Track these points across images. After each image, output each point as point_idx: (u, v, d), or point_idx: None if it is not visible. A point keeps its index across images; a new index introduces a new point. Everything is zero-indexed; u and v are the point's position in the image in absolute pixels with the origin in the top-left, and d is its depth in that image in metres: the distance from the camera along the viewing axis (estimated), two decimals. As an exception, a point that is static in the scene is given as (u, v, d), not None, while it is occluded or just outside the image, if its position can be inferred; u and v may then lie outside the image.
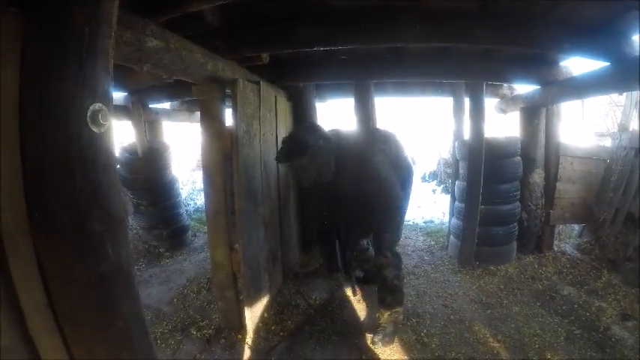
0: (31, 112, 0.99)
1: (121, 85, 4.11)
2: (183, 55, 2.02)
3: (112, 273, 1.11)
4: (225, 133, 2.90)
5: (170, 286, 4.12)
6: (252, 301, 3.00)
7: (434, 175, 10.67)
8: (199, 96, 2.83)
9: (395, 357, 2.81)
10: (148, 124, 5.01)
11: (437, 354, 2.84)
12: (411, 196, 3.28)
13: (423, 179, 10.73)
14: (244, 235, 2.88)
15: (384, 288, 2.95)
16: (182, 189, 6.44)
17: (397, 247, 3.15)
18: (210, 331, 3.11)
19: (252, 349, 2.88)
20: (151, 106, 4.88)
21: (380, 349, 2.87)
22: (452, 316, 3.35)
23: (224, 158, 2.95)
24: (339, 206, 3.09)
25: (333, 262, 3.63)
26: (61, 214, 1.01)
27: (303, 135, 2.73)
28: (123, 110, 4.53)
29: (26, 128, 0.99)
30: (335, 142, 2.82)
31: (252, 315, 3.00)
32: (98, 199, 1.07)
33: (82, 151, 1.03)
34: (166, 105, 5.53)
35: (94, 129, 1.04)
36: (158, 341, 3.03)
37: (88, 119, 1.02)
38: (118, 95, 4.59)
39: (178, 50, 1.94)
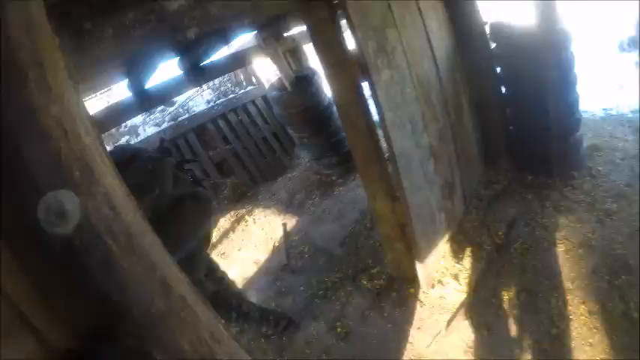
0: None
1: (244, 26, 3.79)
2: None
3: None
4: (350, 58, 2.29)
5: (343, 222, 4.04)
6: (423, 252, 2.58)
7: (634, 42, 7.41)
8: (301, 21, 2.26)
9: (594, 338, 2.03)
10: (289, 54, 4.68)
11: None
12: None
13: (621, 48, 7.64)
14: (405, 182, 2.38)
15: None
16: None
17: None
18: (381, 282, 2.90)
19: (426, 307, 2.54)
20: (286, 34, 4.48)
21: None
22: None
23: (358, 90, 2.39)
24: None
25: None
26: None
27: None
28: (256, 50, 4.28)
29: None
30: None
31: (425, 268, 2.61)
32: (117, 310, 0.76)
33: (65, 266, 0.70)
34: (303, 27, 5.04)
35: (61, 230, 0.68)
36: (328, 292, 3.00)
37: (44, 225, 0.66)
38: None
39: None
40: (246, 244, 4.61)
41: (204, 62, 4.18)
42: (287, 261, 3.92)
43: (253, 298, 3.68)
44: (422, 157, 2.57)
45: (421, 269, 2.59)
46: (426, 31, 2.77)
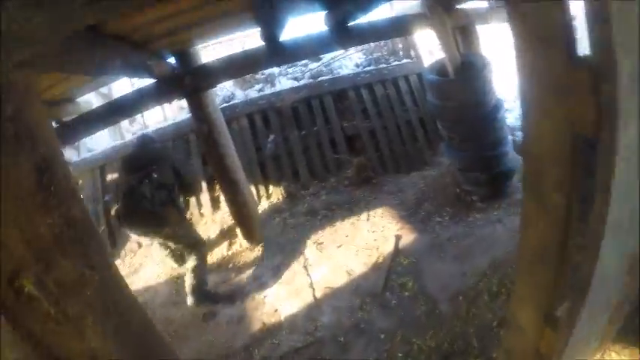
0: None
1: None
2: None
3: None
4: (580, 82, 1.10)
5: (465, 267, 3.04)
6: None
7: None
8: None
9: None
10: (459, 32, 3.57)
11: None
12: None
13: None
14: (584, 309, 1.33)
15: None
16: (507, 117, 4.73)
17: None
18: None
19: None
20: (459, 7, 3.38)
21: None
22: None
23: (575, 141, 1.21)
24: None
25: None
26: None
27: None
28: (420, 19, 3.30)
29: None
30: None
31: None
32: None
33: None
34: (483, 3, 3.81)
35: None
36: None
37: None
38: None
39: None
40: (349, 244, 3.93)
41: (354, 22, 3.42)
42: (382, 290, 3.15)
43: (325, 316, 3.08)
44: (618, 271, 1.44)
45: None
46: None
